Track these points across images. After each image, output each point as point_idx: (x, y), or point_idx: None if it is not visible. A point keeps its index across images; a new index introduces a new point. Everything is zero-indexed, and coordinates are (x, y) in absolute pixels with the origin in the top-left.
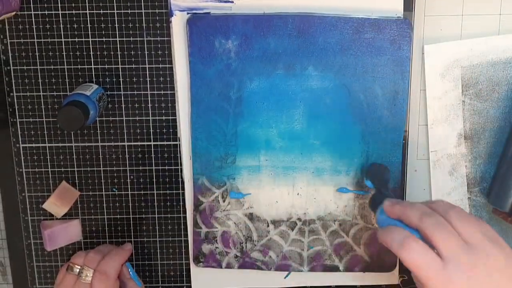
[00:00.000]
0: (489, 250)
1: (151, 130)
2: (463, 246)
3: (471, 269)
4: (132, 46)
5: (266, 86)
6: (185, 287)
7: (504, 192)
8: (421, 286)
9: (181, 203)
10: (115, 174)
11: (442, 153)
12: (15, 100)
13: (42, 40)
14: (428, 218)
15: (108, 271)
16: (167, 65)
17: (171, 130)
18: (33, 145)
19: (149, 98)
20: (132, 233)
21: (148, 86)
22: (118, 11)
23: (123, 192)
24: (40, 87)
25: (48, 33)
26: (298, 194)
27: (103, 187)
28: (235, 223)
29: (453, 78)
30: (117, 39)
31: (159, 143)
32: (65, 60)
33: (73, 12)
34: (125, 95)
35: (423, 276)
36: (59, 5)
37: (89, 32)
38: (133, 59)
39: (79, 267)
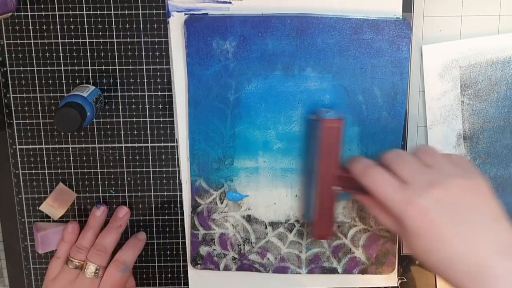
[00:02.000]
0: (448, 170)
1: (148, 132)
2: (421, 168)
3: (429, 188)
4: (129, 47)
5: (264, 87)
6: None
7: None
8: (398, 229)
9: (178, 205)
10: (112, 176)
11: None
12: (12, 102)
13: (39, 41)
14: (388, 153)
15: (127, 262)
16: (164, 66)
17: (168, 132)
18: (30, 146)
19: (146, 100)
20: (129, 235)
21: (146, 87)
22: (115, 12)
23: (120, 194)
24: (37, 88)
25: (45, 34)
26: (296, 195)
27: (100, 188)
28: (233, 225)
29: (452, 78)
30: (114, 40)
31: (156, 144)
32: (62, 61)
33: (70, 13)
34: (122, 96)
35: (385, 198)
36: (56, 6)
37: (86, 33)
38: (130, 60)
39: (79, 261)
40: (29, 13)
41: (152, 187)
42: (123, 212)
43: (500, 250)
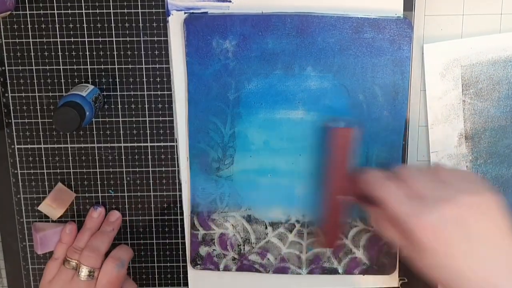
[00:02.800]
0: (460, 186)
1: (148, 131)
2: (434, 183)
3: (441, 203)
4: (128, 46)
5: (264, 86)
6: None
7: None
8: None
9: (178, 205)
10: (111, 176)
11: (443, 153)
12: (10, 101)
13: (38, 40)
14: (402, 167)
15: (122, 258)
16: (164, 65)
17: (168, 131)
18: (28, 146)
19: (145, 99)
20: (128, 235)
21: (145, 86)
22: (114, 11)
23: (119, 194)
24: (36, 87)
25: (44, 33)
26: (297, 196)
27: (99, 188)
28: (232, 225)
29: (453, 78)
30: (114, 39)
31: (156, 144)
32: (60, 60)
33: (69, 11)
34: (121, 95)
35: (396, 211)
36: (55, 4)
37: (85, 32)
38: (129, 59)
39: (76, 261)
40: (27, 12)
41: (151, 187)
42: (115, 217)
43: (509, 269)
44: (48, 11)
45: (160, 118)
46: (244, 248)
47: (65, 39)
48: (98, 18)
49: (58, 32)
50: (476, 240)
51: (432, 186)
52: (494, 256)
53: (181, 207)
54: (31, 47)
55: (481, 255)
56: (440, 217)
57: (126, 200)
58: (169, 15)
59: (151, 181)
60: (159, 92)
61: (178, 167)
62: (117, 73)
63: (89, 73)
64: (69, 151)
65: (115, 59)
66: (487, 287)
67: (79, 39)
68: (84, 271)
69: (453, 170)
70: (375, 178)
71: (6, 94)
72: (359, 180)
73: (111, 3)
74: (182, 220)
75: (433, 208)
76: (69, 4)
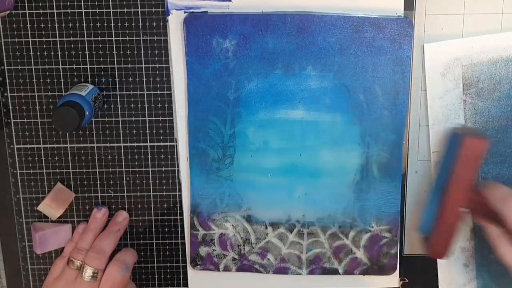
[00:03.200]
0: None
1: (148, 131)
2: None
3: None
4: (128, 45)
5: (264, 86)
6: None
7: None
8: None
9: (178, 205)
10: (111, 176)
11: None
12: (10, 101)
13: (37, 39)
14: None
15: (127, 262)
16: (164, 65)
17: (167, 131)
18: (28, 146)
19: (145, 98)
20: (128, 236)
21: (145, 86)
22: (114, 10)
23: (119, 194)
24: (35, 87)
25: (43, 32)
26: (297, 196)
27: (98, 188)
28: (232, 225)
29: (454, 77)
30: (113, 38)
31: (155, 144)
32: (60, 59)
33: (68, 11)
34: (121, 95)
35: None
36: (54, 4)
37: (85, 32)
38: (129, 59)
39: (80, 262)
40: (27, 11)
41: (151, 187)
42: (122, 217)
43: None
44: (48, 11)
45: (160, 118)
46: (244, 248)
47: (65, 39)
48: (97, 17)
49: (57, 32)
50: None
51: None
52: None
53: (181, 207)
54: (30, 46)
55: None
56: None
57: (126, 200)
58: (169, 15)
59: (151, 181)
60: (159, 92)
61: (178, 167)
62: (116, 72)
63: (89, 73)
64: (69, 151)
65: (115, 59)
66: None
67: (79, 39)
68: (88, 272)
69: None
70: (502, 192)
71: (5, 94)
72: (484, 194)
73: (110, 3)
74: (182, 220)
75: None
76: (68, 4)
